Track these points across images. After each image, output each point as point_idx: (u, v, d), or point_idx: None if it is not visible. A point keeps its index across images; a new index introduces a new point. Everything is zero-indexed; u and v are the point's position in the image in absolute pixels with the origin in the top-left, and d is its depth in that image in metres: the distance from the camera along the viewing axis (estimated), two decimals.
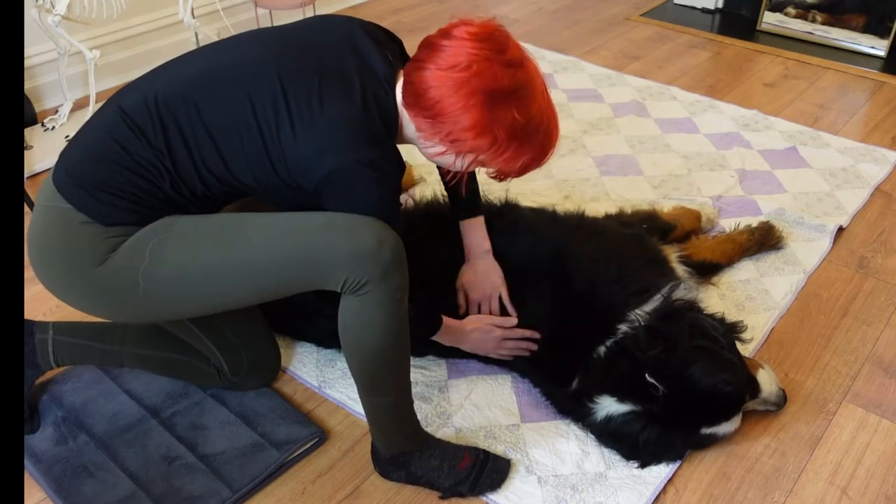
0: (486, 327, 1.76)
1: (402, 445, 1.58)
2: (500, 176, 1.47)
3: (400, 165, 1.44)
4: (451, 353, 1.89)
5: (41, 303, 2.09)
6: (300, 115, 1.36)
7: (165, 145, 1.39)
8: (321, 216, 1.40)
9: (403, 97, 1.41)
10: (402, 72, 1.44)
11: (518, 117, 1.36)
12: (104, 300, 1.44)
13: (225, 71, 1.42)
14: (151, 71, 1.50)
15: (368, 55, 1.44)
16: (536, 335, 1.77)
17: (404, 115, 1.44)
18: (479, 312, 1.80)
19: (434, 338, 1.71)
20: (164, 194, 1.42)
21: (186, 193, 1.43)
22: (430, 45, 1.39)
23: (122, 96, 1.46)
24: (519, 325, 1.77)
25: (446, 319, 1.71)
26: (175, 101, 1.40)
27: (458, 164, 1.44)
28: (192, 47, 3.30)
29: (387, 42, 1.52)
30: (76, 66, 3.00)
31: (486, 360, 1.87)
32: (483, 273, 1.79)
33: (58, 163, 1.46)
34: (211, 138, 1.39)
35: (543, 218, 1.96)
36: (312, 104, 1.36)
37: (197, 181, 1.42)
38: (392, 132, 1.45)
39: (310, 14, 3.51)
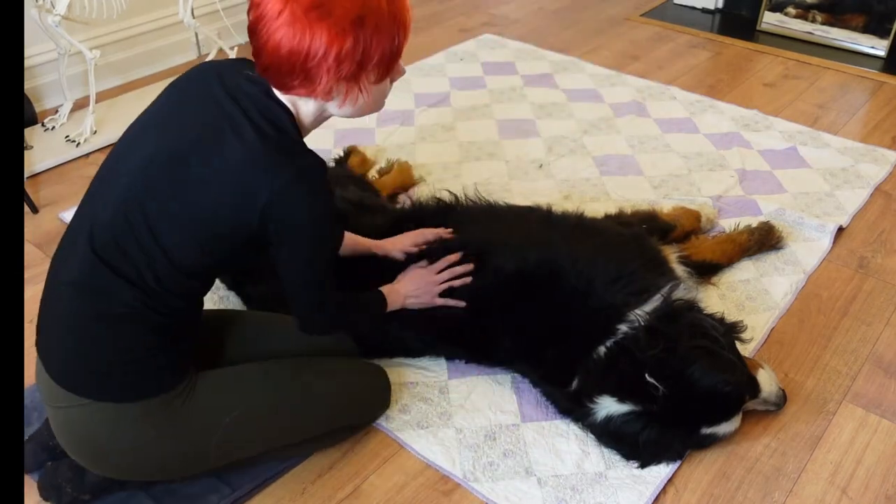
0: (415, 272, 1.77)
1: None
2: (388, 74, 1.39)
3: (322, 164, 1.39)
4: (448, 353, 1.90)
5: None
6: (212, 172, 1.31)
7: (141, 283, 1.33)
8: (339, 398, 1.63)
9: (282, 84, 1.35)
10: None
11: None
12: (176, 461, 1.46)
13: (133, 178, 1.33)
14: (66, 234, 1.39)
15: (234, 86, 1.38)
16: (469, 268, 1.77)
17: (300, 107, 1.39)
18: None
19: (387, 307, 1.69)
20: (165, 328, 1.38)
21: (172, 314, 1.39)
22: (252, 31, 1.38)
23: (58, 269, 1.38)
24: (517, 325, 1.77)
25: (384, 287, 1.71)
26: (117, 237, 1.32)
27: (363, 96, 1.37)
28: (193, 47, 3.32)
29: (244, 63, 1.47)
30: (76, 66, 3.00)
31: (486, 361, 1.87)
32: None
33: (53, 364, 1.39)
34: (164, 250, 1.33)
35: (538, 217, 1.96)
36: (213, 162, 1.31)
37: (175, 298, 1.37)
38: (297, 133, 1.39)
39: None
